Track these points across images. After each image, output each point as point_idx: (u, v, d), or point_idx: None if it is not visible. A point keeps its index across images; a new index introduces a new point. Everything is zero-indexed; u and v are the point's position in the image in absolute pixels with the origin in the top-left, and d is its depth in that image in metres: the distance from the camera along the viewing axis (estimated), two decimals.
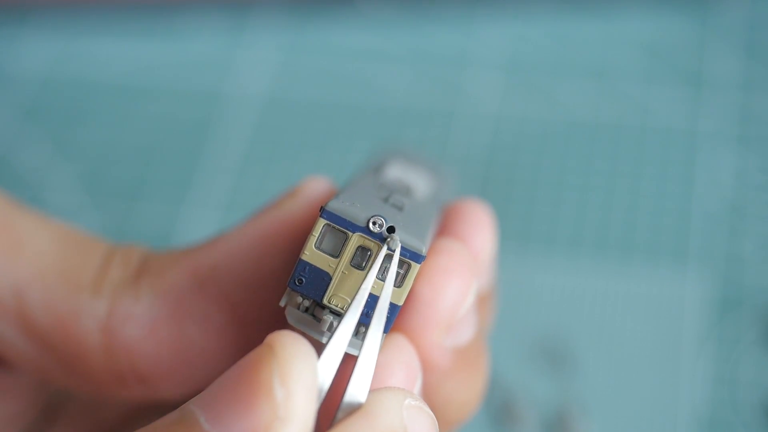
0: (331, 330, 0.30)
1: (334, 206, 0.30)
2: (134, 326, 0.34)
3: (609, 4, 0.67)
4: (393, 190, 0.34)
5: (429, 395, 0.33)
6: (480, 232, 0.35)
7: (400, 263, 0.30)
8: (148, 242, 0.59)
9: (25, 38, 0.69)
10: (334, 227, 0.30)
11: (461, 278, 0.32)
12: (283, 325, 0.31)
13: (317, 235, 0.30)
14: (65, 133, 0.65)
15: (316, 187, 0.35)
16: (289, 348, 0.27)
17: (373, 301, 0.30)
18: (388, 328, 0.30)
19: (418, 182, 0.38)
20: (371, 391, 0.29)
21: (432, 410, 0.30)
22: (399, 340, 0.32)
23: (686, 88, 0.64)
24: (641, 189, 0.60)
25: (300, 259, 0.30)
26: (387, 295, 0.30)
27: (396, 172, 0.38)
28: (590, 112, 0.63)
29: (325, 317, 0.30)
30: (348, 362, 0.30)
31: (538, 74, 0.65)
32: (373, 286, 0.30)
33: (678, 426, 0.51)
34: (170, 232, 0.60)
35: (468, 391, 0.34)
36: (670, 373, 0.53)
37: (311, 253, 0.30)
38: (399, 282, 0.30)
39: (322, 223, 0.30)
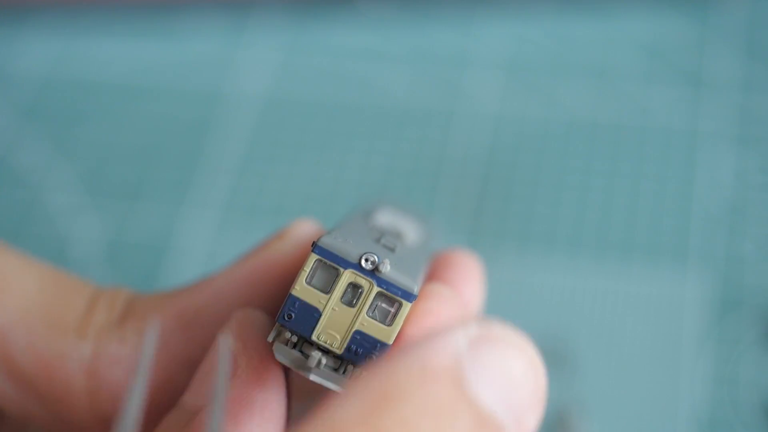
0: (319, 366, 0.30)
1: (326, 242, 0.30)
2: (119, 369, 0.33)
3: (609, 4, 0.67)
4: (385, 233, 0.34)
5: None
6: (469, 282, 0.35)
7: (391, 301, 0.30)
8: (148, 242, 0.60)
9: (25, 38, 0.69)
10: (325, 263, 0.30)
11: (450, 322, 0.32)
12: (270, 363, 0.31)
13: (308, 270, 0.30)
14: (65, 133, 0.65)
15: (304, 229, 0.35)
16: None
17: (361, 338, 0.30)
18: None
19: (409, 229, 0.37)
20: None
21: None
22: None
23: (686, 88, 0.63)
24: (641, 189, 0.60)
25: (290, 294, 0.30)
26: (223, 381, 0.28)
27: (387, 219, 0.38)
28: (590, 112, 0.63)
29: (313, 354, 0.30)
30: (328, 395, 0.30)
31: (538, 74, 0.65)
32: (363, 324, 0.30)
33: (678, 426, 0.51)
34: (170, 232, 0.60)
35: None
36: (670, 373, 0.53)
37: (302, 289, 0.30)
38: (389, 321, 0.30)
39: (313, 258, 0.30)
